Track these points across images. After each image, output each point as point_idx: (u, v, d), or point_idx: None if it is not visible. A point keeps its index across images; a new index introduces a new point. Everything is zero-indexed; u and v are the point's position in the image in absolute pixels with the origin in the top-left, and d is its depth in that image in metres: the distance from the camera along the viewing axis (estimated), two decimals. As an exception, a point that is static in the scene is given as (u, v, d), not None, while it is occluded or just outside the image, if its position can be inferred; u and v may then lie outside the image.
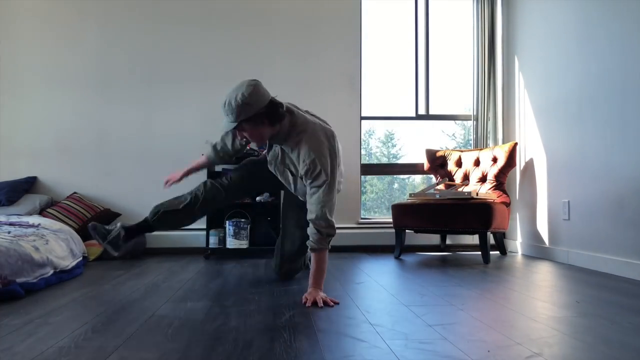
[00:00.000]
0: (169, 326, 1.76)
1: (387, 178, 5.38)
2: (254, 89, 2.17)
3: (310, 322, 1.82)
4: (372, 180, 5.45)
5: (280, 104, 2.27)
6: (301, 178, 2.35)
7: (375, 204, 5.57)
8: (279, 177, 2.54)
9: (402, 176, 5.27)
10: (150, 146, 4.18)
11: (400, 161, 4.93)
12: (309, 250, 2.28)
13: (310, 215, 2.26)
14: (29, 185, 3.98)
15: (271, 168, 2.54)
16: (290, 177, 2.46)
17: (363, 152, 4.53)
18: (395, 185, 5.68)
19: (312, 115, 2.51)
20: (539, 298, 2.27)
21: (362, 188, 4.71)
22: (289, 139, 2.34)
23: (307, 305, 2.11)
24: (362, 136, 4.46)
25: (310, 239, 2.25)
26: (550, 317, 1.91)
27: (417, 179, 5.01)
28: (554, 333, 1.68)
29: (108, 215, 3.97)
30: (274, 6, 4.29)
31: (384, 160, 4.94)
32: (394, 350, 1.49)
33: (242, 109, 2.14)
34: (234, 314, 1.96)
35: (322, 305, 2.09)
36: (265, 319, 1.88)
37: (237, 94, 2.14)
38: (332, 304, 2.12)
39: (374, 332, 1.70)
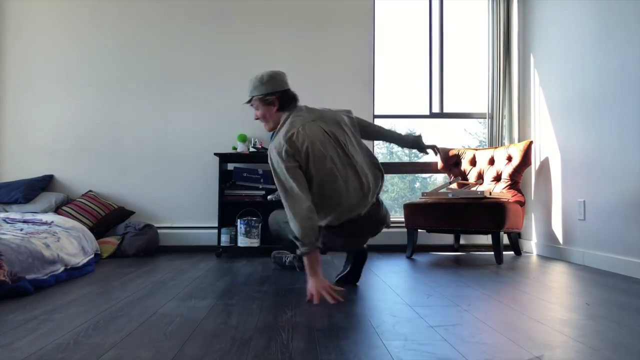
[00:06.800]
0: (169, 324, 1.76)
1: (409, 177, 5.32)
2: (274, 74, 2.44)
3: (310, 322, 1.81)
4: (394, 179, 5.40)
5: (294, 97, 2.46)
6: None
7: (396, 203, 5.52)
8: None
9: (424, 175, 5.20)
10: (165, 145, 4.22)
11: (422, 160, 4.84)
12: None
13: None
14: (45, 183, 4.05)
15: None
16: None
17: (385, 150, 4.48)
18: (417, 185, 5.63)
19: (312, 110, 2.46)
20: (548, 300, 2.22)
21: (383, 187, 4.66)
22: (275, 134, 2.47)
23: (315, 302, 2.11)
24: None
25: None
26: (557, 319, 1.86)
27: (440, 178, 4.92)
28: (559, 336, 1.63)
29: (122, 214, 4.02)
30: (288, 5, 4.29)
31: (405, 159, 4.87)
32: (390, 351, 1.47)
33: (256, 87, 2.42)
34: (236, 312, 1.95)
35: (330, 297, 2.11)
36: (266, 317, 1.87)
37: (260, 73, 2.43)
38: (333, 300, 2.11)
39: (373, 332, 1.68)
